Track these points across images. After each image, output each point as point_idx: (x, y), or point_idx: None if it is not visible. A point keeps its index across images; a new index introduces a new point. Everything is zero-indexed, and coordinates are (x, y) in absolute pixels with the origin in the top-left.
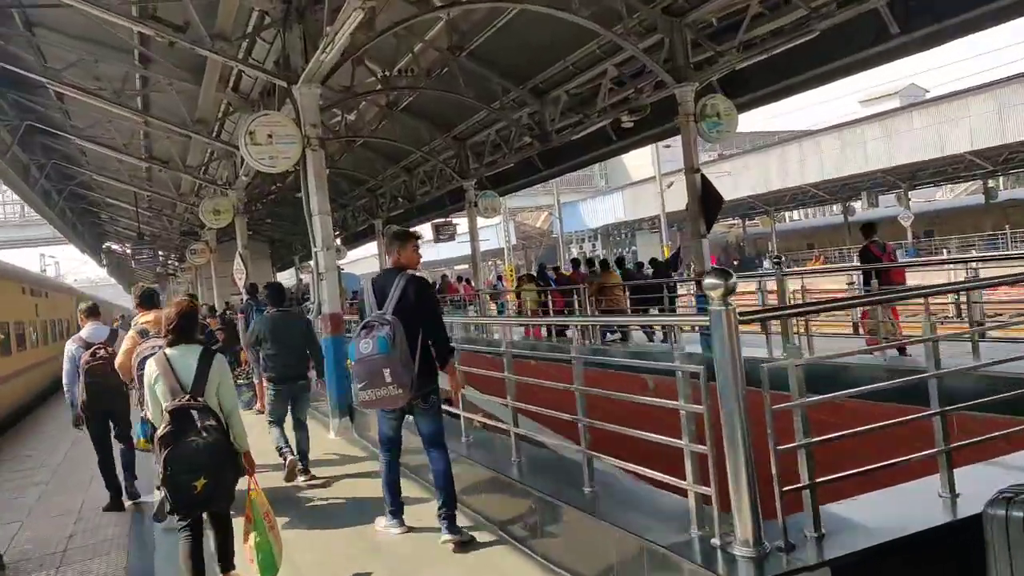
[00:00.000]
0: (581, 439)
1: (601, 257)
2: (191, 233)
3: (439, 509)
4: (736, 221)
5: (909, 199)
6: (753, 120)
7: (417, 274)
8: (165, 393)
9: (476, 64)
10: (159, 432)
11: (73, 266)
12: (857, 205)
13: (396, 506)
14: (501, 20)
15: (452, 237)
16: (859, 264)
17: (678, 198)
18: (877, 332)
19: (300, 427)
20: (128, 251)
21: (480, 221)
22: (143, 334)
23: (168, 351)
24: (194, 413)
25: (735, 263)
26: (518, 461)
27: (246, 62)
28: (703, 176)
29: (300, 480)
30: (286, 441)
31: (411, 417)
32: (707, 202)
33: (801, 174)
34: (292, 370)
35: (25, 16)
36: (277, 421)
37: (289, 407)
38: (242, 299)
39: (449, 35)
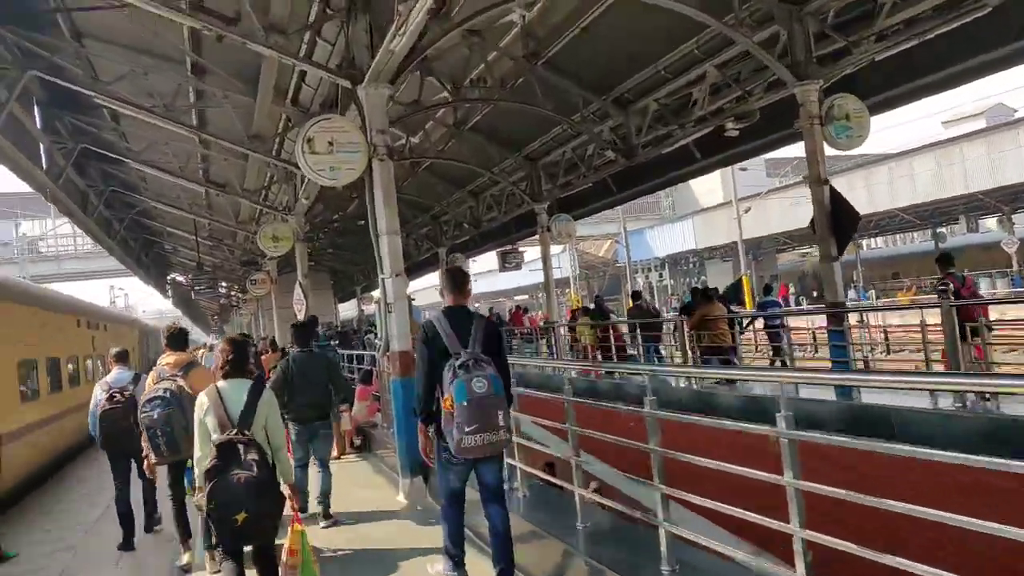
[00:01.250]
0: (659, 509)
1: (653, 285)
2: (252, 263)
3: (498, 572)
4: (810, 249)
5: (1013, 223)
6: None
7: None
8: (215, 426)
9: (553, 74)
10: (206, 465)
11: (141, 297)
12: (950, 230)
13: (460, 554)
14: (584, 20)
15: (519, 266)
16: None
17: (755, 225)
18: None
19: (322, 467)
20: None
21: (539, 251)
22: (160, 375)
23: (220, 384)
24: (240, 447)
25: (814, 294)
26: (584, 528)
27: (305, 59)
28: (833, 189)
29: (321, 525)
30: (306, 484)
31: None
32: (839, 219)
33: (891, 197)
34: (312, 411)
35: (73, 25)
36: (298, 464)
37: (310, 449)
38: None
39: (524, 42)
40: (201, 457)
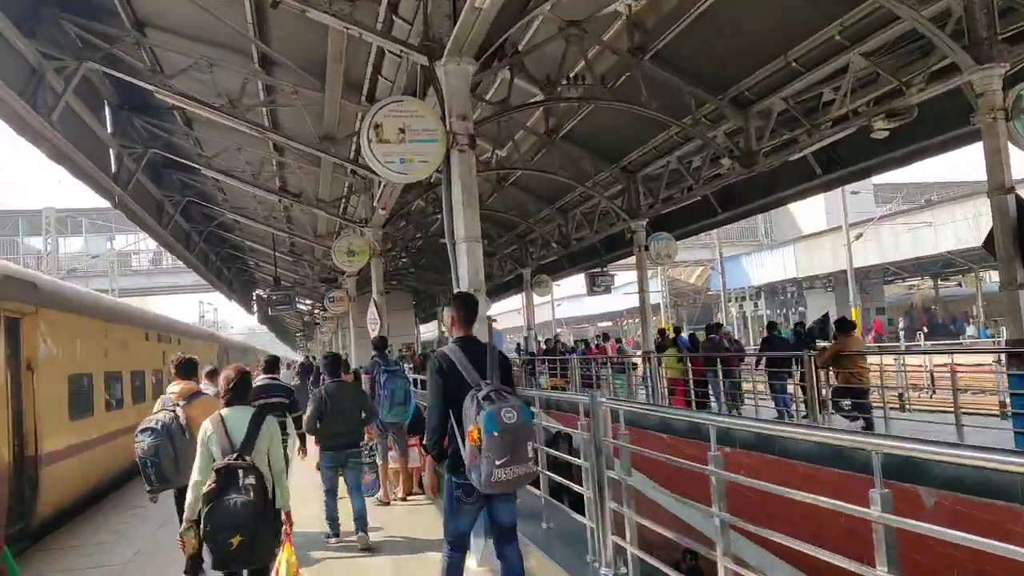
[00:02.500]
0: None
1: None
2: (331, 280)
3: None
4: (917, 281)
5: None
6: (926, 171)
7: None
8: (217, 452)
9: (662, 69)
10: (205, 488)
11: (231, 313)
12: None
13: None
14: (701, 5)
15: (608, 289)
16: None
17: (866, 253)
18: None
19: (354, 492)
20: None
21: (629, 275)
22: (164, 404)
23: (224, 411)
24: (239, 472)
25: (924, 329)
26: None
27: (370, 30)
28: (1020, 198)
29: (359, 546)
30: (336, 511)
31: None
32: None
33: None
34: (343, 439)
35: (132, 13)
36: (330, 490)
37: (341, 476)
38: (372, 356)
39: (630, 33)
40: (200, 481)
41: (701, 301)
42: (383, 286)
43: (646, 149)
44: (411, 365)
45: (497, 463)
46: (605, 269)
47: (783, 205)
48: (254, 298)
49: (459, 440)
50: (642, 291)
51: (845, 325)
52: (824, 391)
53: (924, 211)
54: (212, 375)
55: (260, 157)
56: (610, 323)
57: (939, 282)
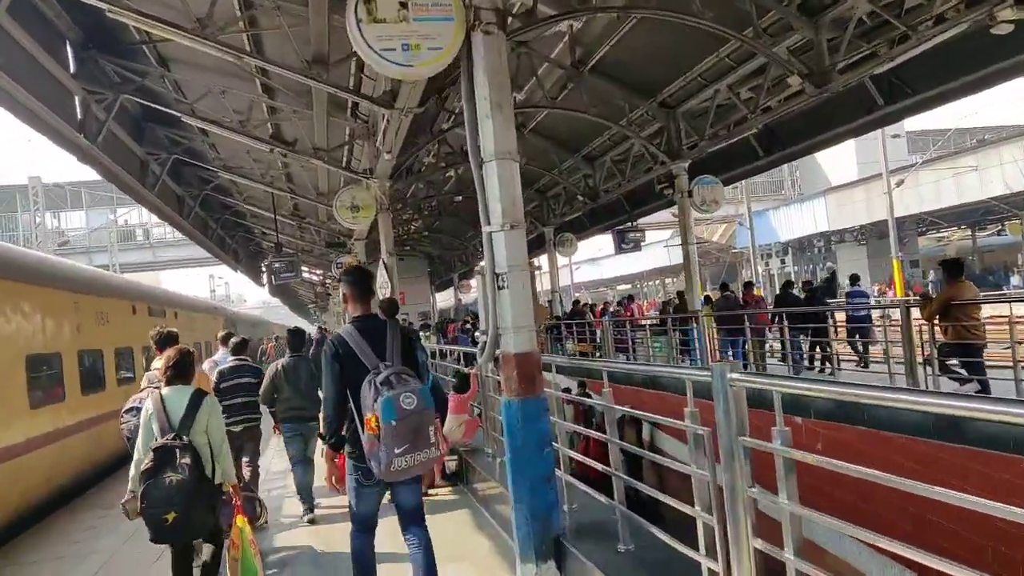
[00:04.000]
0: None
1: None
2: (337, 244)
3: None
4: (947, 232)
5: None
6: (940, 119)
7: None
8: (157, 431)
9: None
10: (142, 467)
11: (244, 287)
12: None
13: None
14: None
15: (638, 246)
16: None
17: (905, 203)
18: None
19: (298, 463)
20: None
21: (653, 235)
22: (150, 380)
23: (164, 391)
24: (176, 451)
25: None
26: None
27: None
28: None
29: (304, 519)
30: (303, 478)
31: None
32: None
33: None
34: (302, 412)
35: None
36: (296, 460)
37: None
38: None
39: None
40: (139, 460)
41: (727, 260)
42: (393, 246)
43: (690, 77)
44: (427, 334)
45: (396, 451)
46: (634, 224)
47: (837, 143)
48: (263, 269)
49: (358, 426)
50: (686, 243)
51: (955, 269)
52: (927, 348)
53: (968, 155)
54: (226, 340)
55: (248, 102)
56: (628, 285)
57: (977, 232)
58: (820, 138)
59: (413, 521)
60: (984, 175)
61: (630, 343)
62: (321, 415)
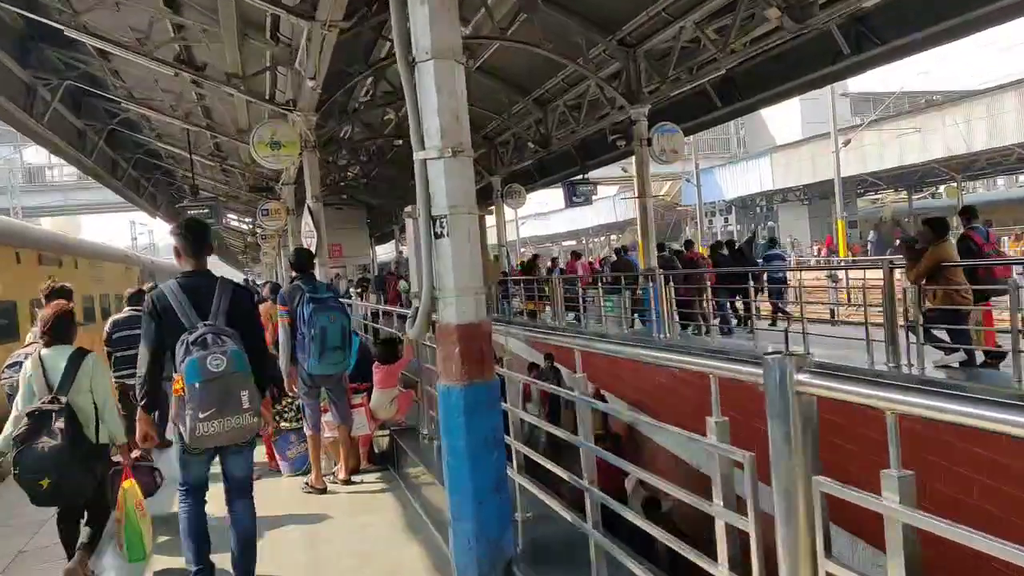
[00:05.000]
0: None
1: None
2: (263, 189)
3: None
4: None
5: None
6: (899, 76)
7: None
8: (37, 392)
9: None
10: (15, 432)
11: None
12: None
13: (205, 564)
14: None
15: (589, 200)
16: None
17: (849, 163)
18: None
19: (237, 497)
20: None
21: (603, 190)
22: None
23: (43, 352)
24: (51, 415)
25: (896, 242)
26: None
27: None
28: None
29: None
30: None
31: None
32: None
33: (1022, 128)
34: None
35: None
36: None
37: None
38: (290, 280)
39: None
40: (16, 417)
41: (673, 218)
42: (320, 190)
43: (654, 12)
44: (359, 290)
45: (201, 416)
46: (586, 177)
47: (800, 94)
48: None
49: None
50: (644, 195)
51: (941, 227)
52: (912, 313)
53: (912, 117)
54: (135, 299)
55: (149, 17)
56: (574, 242)
57: (914, 195)
58: (782, 88)
59: (239, 494)
60: (927, 138)
61: (581, 302)
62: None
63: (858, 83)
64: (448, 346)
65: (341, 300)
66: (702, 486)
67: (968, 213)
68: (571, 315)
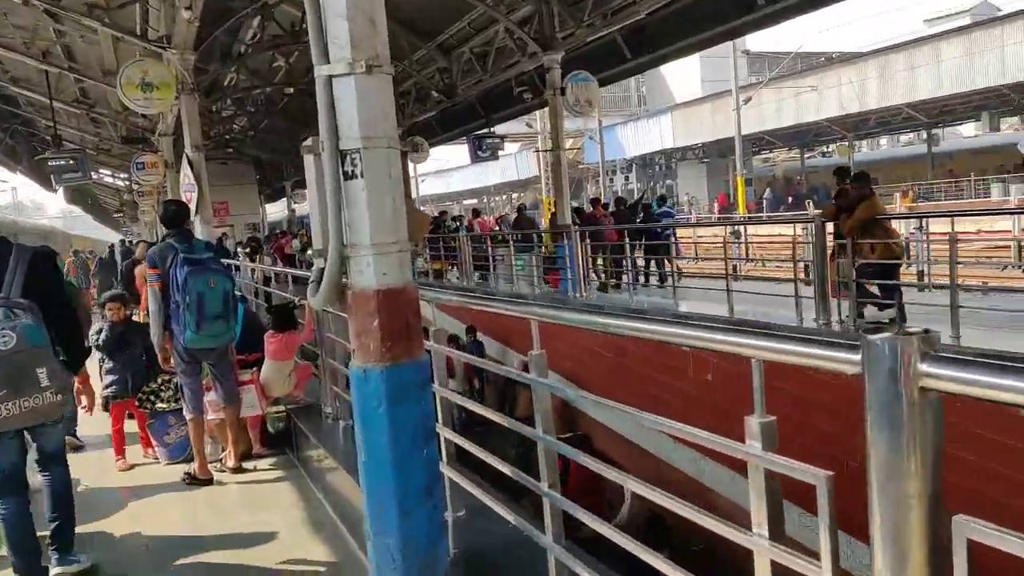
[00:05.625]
0: None
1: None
2: (138, 140)
3: (53, 539)
4: (774, 153)
5: None
6: (794, 31)
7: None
8: None
9: None
10: None
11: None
12: (965, 129)
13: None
14: None
15: (495, 154)
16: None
17: (748, 121)
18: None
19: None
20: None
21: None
22: None
23: None
24: None
25: (790, 200)
26: None
27: None
28: None
29: None
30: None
31: None
32: None
33: (911, 88)
34: None
35: None
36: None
37: None
38: (163, 239)
39: None
40: None
41: (575, 176)
42: (202, 140)
43: None
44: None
45: None
46: (492, 130)
47: (711, 45)
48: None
49: None
50: (557, 147)
51: (867, 180)
52: (843, 266)
53: (811, 75)
54: None
55: None
56: (475, 200)
57: (806, 154)
58: (695, 39)
59: (54, 461)
60: (823, 96)
61: (491, 261)
62: None
63: (755, 42)
64: (364, 318)
65: (224, 261)
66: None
67: (841, 172)
68: (476, 274)
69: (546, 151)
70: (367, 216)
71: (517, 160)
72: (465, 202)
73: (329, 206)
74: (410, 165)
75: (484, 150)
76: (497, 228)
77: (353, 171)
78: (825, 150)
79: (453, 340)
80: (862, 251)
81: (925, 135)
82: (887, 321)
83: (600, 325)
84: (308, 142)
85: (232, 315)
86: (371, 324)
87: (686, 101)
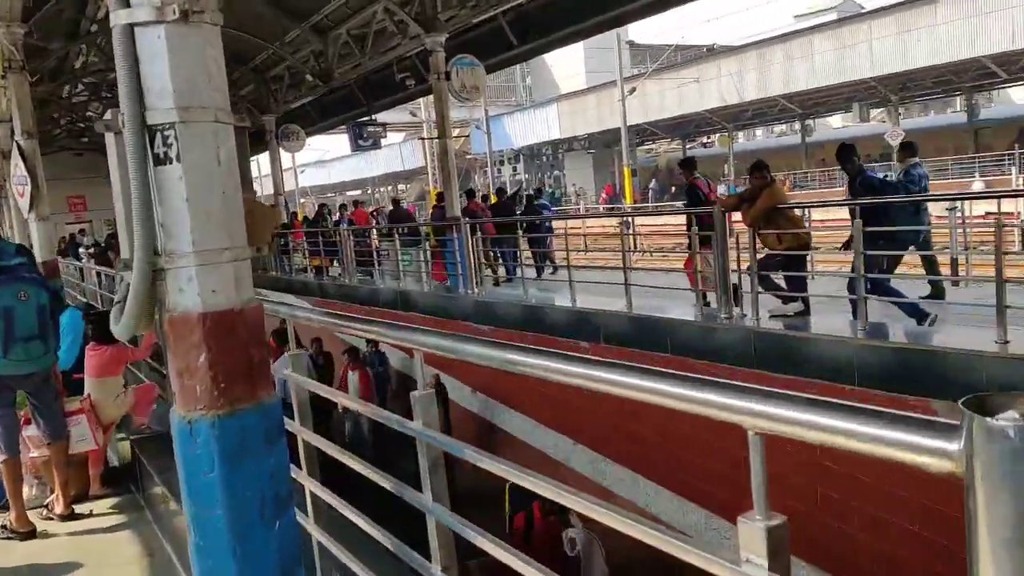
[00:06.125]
0: None
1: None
2: None
3: None
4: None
5: (900, 115)
6: (676, 23)
7: None
8: None
9: None
10: None
11: None
12: (834, 120)
13: None
14: None
15: (378, 143)
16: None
17: (634, 112)
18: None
19: None
20: None
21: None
22: None
23: None
24: None
25: (672, 190)
26: None
27: None
28: None
29: None
30: None
31: None
32: None
33: (788, 80)
34: None
35: None
36: None
37: None
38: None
39: None
40: None
41: (464, 167)
42: (35, 126)
43: None
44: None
45: None
46: (374, 118)
47: (599, 32)
48: None
49: None
50: (444, 135)
51: (765, 168)
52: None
53: (691, 67)
54: None
55: None
56: (359, 192)
57: (688, 144)
58: (579, 26)
59: None
60: (704, 87)
61: (375, 257)
62: None
63: (638, 34)
64: (187, 352)
65: (39, 269)
66: None
67: (688, 165)
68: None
69: (432, 139)
70: (187, 214)
71: (402, 150)
72: (348, 193)
73: (134, 201)
74: (287, 155)
75: (365, 138)
76: (376, 220)
77: (166, 153)
78: (706, 140)
79: (351, 352)
80: (768, 242)
81: (798, 126)
82: (791, 315)
83: (513, 365)
84: (108, 116)
85: (52, 334)
86: (196, 360)
87: (572, 92)
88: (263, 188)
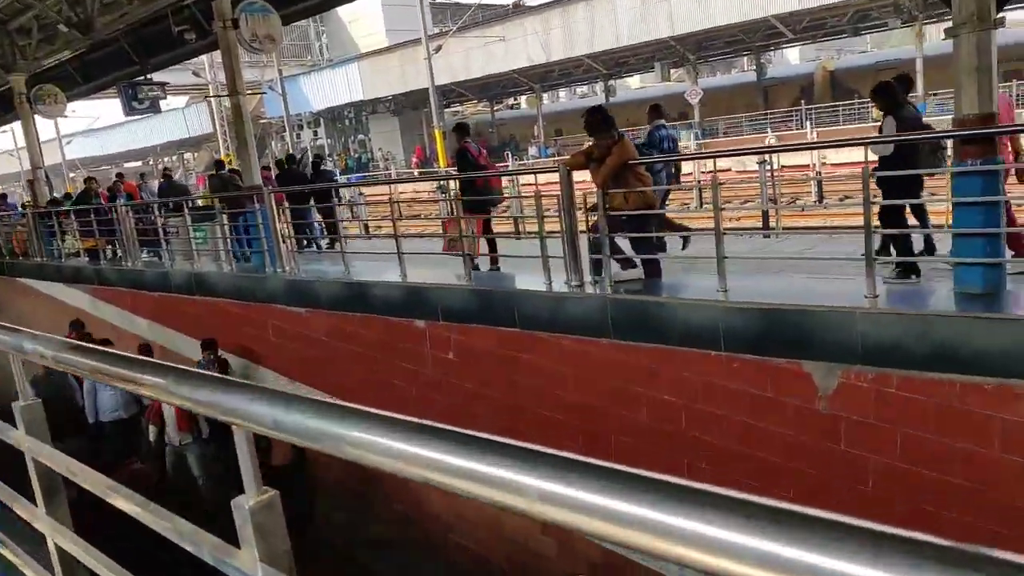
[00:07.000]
0: None
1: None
2: None
3: None
4: (469, 104)
5: (698, 74)
6: None
7: None
8: None
9: None
10: None
11: None
12: (632, 81)
13: None
14: None
15: (156, 105)
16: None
17: (440, 72)
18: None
19: None
20: None
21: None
22: None
23: None
24: None
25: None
26: None
27: None
28: None
29: None
30: None
31: None
32: None
33: (592, 40)
34: None
35: None
36: None
37: None
38: None
39: None
40: None
41: (260, 133)
42: None
43: None
44: None
45: None
46: (149, 77)
47: None
48: None
49: None
50: (235, 92)
51: (612, 122)
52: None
53: (497, 25)
54: None
55: None
56: (140, 163)
57: (495, 105)
58: None
59: None
60: (511, 46)
61: (162, 235)
62: None
63: None
64: None
65: None
66: None
67: (461, 130)
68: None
69: (220, 98)
70: None
71: (186, 115)
72: (126, 165)
73: None
74: (46, 122)
75: (141, 100)
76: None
77: None
78: (512, 102)
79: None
80: (615, 202)
81: (600, 87)
82: (635, 279)
83: None
84: None
85: None
86: None
87: (374, 50)
88: (22, 161)
